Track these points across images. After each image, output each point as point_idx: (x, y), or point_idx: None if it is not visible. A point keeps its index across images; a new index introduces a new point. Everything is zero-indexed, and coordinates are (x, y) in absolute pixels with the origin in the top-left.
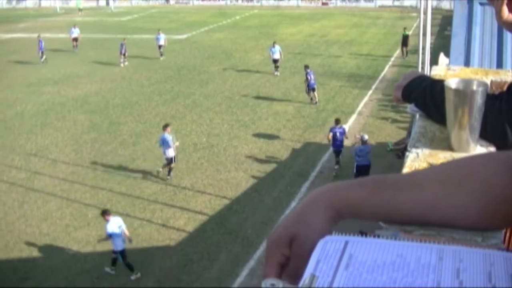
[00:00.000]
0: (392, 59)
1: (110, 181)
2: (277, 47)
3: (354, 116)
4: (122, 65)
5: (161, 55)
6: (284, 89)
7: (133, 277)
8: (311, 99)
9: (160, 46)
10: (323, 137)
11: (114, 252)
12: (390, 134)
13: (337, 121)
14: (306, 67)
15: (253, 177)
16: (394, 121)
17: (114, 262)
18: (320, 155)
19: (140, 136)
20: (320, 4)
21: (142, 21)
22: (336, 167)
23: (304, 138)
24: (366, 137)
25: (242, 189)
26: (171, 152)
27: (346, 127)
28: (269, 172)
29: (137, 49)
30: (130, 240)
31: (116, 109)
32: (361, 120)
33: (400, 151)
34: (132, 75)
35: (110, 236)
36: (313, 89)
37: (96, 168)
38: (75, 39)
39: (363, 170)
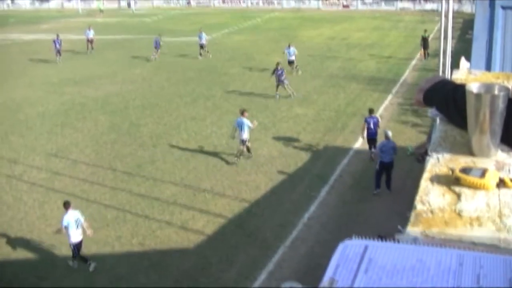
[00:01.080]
0: (413, 62)
1: (129, 182)
2: (293, 49)
3: None
4: (153, 57)
5: (200, 54)
6: (304, 92)
7: (91, 268)
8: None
9: (201, 46)
10: (343, 140)
11: (70, 244)
12: (411, 138)
13: (371, 111)
14: (278, 64)
15: (272, 179)
16: (415, 125)
17: (73, 255)
18: (340, 159)
19: (160, 138)
20: (341, 7)
21: (163, 23)
22: (372, 150)
23: (324, 141)
24: (389, 133)
25: (261, 191)
26: (245, 135)
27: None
28: (288, 175)
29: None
30: (88, 234)
31: (136, 110)
32: (382, 123)
33: (420, 155)
34: (152, 76)
35: (65, 228)
36: (281, 82)
37: (116, 169)
38: (91, 41)
39: (385, 167)
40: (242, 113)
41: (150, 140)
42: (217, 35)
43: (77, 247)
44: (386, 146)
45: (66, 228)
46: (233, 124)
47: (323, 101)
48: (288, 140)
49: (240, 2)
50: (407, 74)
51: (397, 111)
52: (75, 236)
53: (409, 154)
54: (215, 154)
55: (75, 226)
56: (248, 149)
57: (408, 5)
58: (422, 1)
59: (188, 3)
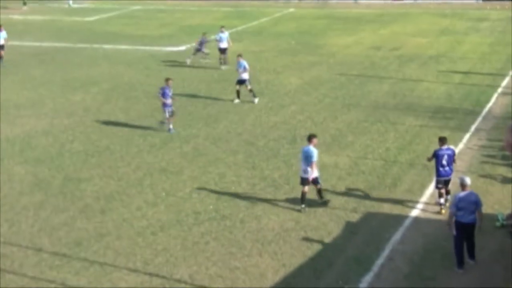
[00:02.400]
0: (504, 83)
1: (62, 270)
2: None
3: None
4: (203, 61)
5: (223, 63)
6: (334, 130)
7: None
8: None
9: (223, 50)
10: (394, 204)
11: None
12: (501, 201)
13: (442, 140)
14: (239, 55)
15: (285, 264)
16: (507, 180)
17: None
18: (390, 233)
19: (112, 200)
20: (390, 0)
21: (116, 23)
22: (442, 201)
23: (364, 205)
24: (468, 180)
25: (269, 283)
26: (314, 171)
27: (431, 187)
28: (309, 258)
29: (109, 65)
30: None
31: (75, 157)
32: (455, 178)
33: None
34: (100, 105)
35: None
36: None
37: (42, 248)
38: (1, 47)
39: (465, 231)
40: (310, 139)
41: (96, 203)
42: None
43: None
44: (465, 200)
45: None
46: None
47: (363, 144)
48: (309, 204)
49: None
50: (494, 103)
51: (478, 159)
52: None
53: (499, 226)
54: (196, 225)
55: None
56: (319, 192)
57: None
58: None
59: None
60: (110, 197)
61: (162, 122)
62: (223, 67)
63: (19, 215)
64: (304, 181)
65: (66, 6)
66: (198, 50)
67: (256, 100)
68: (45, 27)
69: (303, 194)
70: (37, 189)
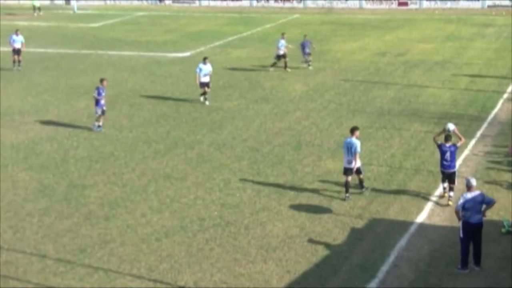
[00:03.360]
0: (510, 89)
1: (66, 277)
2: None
3: None
4: (308, 66)
5: (285, 67)
6: (339, 136)
7: None
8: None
9: (281, 56)
10: (399, 210)
11: None
12: (506, 207)
13: (447, 138)
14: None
15: (290, 271)
16: None
17: None
18: (395, 239)
19: (117, 207)
20: (395, 5)
21: (120, 29)
22: (445, 187)
23: (369, 212)
24: (474, 181)
25: None
26: (359, 162)
27: (437, 193)
28: (315, 264)
29: (114, 71)
30: None
31: (79, 164)
32: (458, 184)
33: None
34: (105, 111)
35: None
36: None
37: (46, 255)
38: (17, 52)
39: (472, 232)
40: (353, 131)
41: (100, 210)
42: (205, 49)
43: None
44: (472, 201)
45: None
46: (343, 147)
47: (367, 150)
48: (313, 211)
49: None
50: (500, 108)
51: (484, 165)
52: None
53: (505, 232)
54: (201, 232)
55: None
56: (361, 182)
57: None
58: None
59: (160, 0)
60: (114, 204)
61: (99, 126)
62: (308, 66)
63: (23, 221)
64: (347, 171)
65: (71, 12)
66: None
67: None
68: (50, 34)
69: (346, 183)
70: (42, 196)
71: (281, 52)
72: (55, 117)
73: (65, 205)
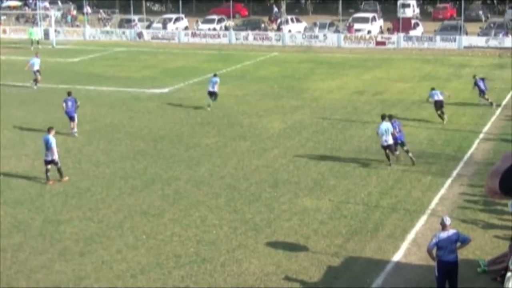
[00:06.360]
0: (485, 129)
1: None
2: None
3: (424, 218)
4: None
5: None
6: (316, 174)
7: None
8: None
9: (212, 94)
10: (376, 249)
11: None
12: (482, 247)
13: (385, 117)
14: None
15: None
16: (488, 226)
17: None
18: (371, 278)
19: (92, 243)
20: (373, 44)
21: (100, 65)
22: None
23: (346, 250)
24: (448, 220)
25: None
26: (391, 139)
27: (413, 232)
28: None
29: (92, 106)
30: None
31: (55, 199)
32: (435, 223)
33: (498, 273)
34: (82, 147)
35: None
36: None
37: None
38: (37, 72)
39: (448, 270)
40: (385, 117)
41: (75, 245)
42: (184, 85)
43: None
44: (446, 240)
45: None
46: (377, 131)
47: (344, 188)
48: (290, 248)
49: (219, 35)
50: (476, 148)
51: (460, 204)
52: None
53: (481, 272)
54: (177, 268)
55: None
56: (407, 152)
57: (478, 41)
58: (501, 35)
59: (140, 35)
60: (90, 239)
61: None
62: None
63: None
64: (385, 148)
65: (50, 47)
66: (481, 91)
67: None
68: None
69: (387, 155)
70: (16, 231)
71: (211, 90)
72: (32, 151)
73: (39, 241)
